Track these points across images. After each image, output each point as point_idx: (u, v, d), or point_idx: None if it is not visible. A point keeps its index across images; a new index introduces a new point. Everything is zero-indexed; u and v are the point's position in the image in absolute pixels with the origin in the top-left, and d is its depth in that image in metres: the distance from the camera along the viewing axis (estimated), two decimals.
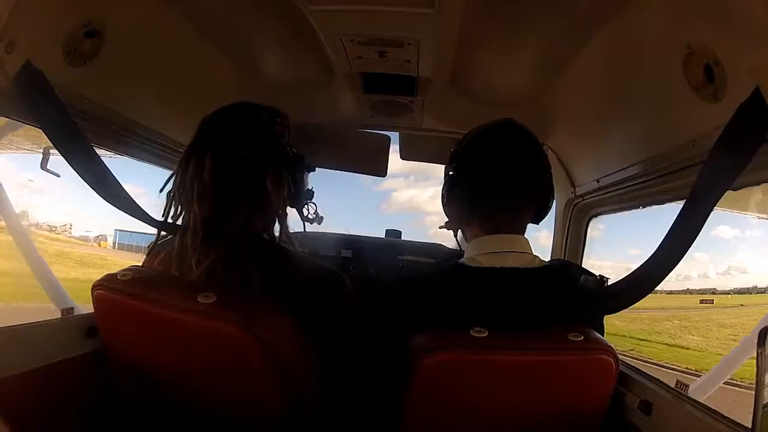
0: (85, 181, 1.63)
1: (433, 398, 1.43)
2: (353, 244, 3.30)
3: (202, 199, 1.47)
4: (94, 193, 1.66)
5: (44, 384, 1.51)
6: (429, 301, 1.56)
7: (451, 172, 1.74)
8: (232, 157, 1.50)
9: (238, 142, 1.52)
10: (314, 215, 1.87)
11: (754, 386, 1.17)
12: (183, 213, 1.55)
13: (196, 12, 2.00)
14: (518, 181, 1.64)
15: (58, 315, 1.95)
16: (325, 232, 3.24)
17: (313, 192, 1.80)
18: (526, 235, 1.67)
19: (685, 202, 1.27)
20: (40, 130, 1.67)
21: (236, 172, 1.49)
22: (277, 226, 1.62)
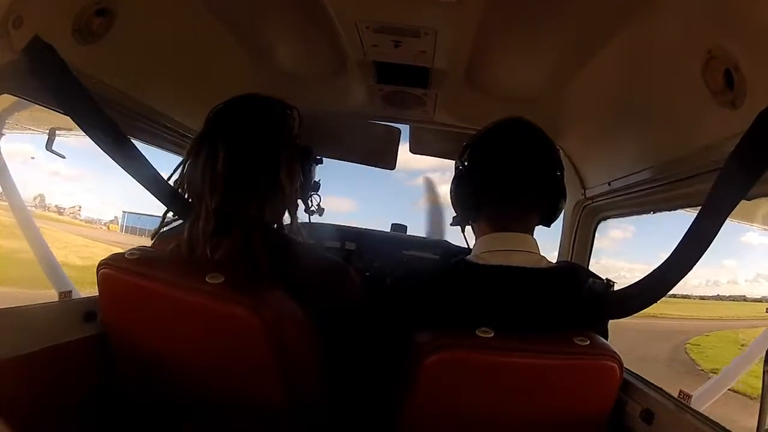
0: (108, 155, 1.63)
1: (436, 396, 1.42)
2: (358, 236, 3.28)
3: (215, 188, 1.47)
4: (107, 178, 1.65)
5: (41, 368, 1.50)
6: (433, 298, 1.56)
7: (460, 167, 1.73)
8: (245, 147, 1.51)
9: (251, 132, 1.54)
10: (316, 207, 1.88)
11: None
12: (191, 202, 1.56)
13: None
14: (526, 179, 1.64)
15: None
16: (330, 223, 3.23)
17: (320, 184, 1.81)
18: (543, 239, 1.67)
19: (700, 210, 1.25)
20: (44, 112, 1.67)
21: (250, 162, 1.51)
22: (286, 217, 1.62)
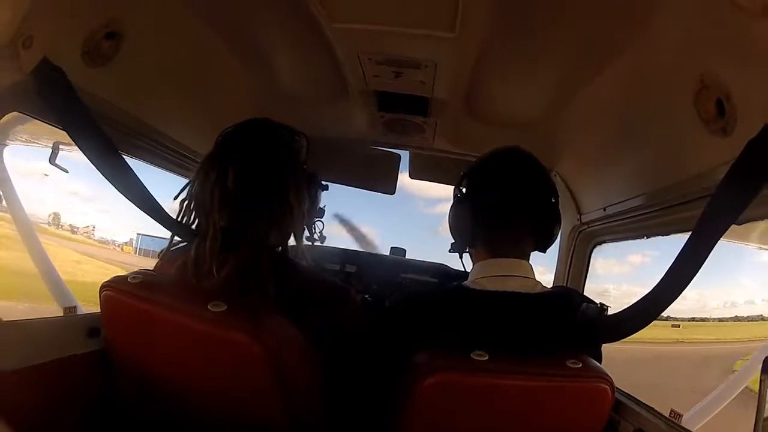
0: (106, 178, 1.65)
1: (431, 418, 1.43)
2: (358, 259, 3.29)
3: (223, 206, 1.49)
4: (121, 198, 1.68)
5: (45, 380, 1.51)
6: (431, 322, 1.57)
7: (458, 195, 1.77)
8: (255, 168, 1.53)
9: (261, 154, 1.55)
10: (319, 234, 1.91)
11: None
12: (198, 222, 1.57)
13: (216, 21, 2.03)
14: (521, 207, 1.67)
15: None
16: (331, 246, 3.22)
17: (324, 210, 1.82)
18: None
19: (691, 235, 1.27)
20: (43, 125, 1.70)
21: (259, 182, 1.52)
22: (291, 240, 1.63)
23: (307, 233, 1.79)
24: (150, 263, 1.75)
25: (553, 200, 1.70)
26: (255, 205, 1.51)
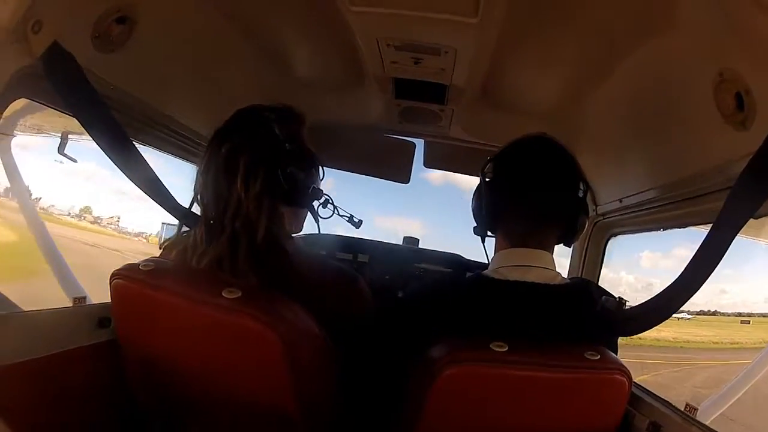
0: (116, 164, 1.66)
1: (450, 410, 1.42)
2: (370, 249, 3.28)
3: (204, 198, 1.52)
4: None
5: (54, 371, 1.51)
6: (451, 311, 1.57)
7: (482, 180, 1.74)
8: (215, 157, 1.51)
9: (221, 141, 1.53)
10: (348, 217, 1.90)
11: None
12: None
13: (230, 6, 2.02)
14: (549, 197, 1.64)
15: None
16: (343, 235, 3.19)
17: (321, 191, 1.72)
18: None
19: (711, 228, 1.26)
20: (55, 114, 1.71)
21: (218, 171, 1.50)
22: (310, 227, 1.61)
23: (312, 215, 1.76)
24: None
25: (581, 193, 1.67)
26: (220, 194, 1.49)
